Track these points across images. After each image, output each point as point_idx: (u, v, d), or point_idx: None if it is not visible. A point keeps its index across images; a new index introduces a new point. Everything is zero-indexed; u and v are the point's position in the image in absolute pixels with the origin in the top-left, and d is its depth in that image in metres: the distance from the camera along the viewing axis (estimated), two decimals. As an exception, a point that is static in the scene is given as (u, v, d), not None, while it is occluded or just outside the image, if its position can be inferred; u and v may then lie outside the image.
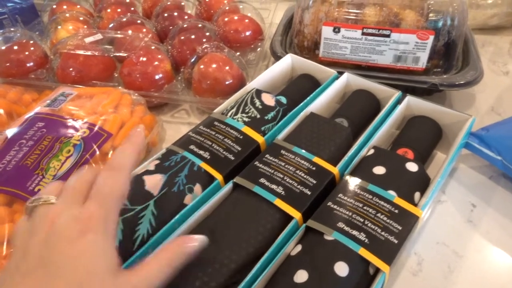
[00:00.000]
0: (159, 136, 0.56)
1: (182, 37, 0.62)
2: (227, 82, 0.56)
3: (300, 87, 0.55)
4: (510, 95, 0.62)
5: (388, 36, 0.55)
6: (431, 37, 0.54)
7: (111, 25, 0.67)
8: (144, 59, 0.57)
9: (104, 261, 0.26)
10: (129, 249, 0.34)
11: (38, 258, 0.26)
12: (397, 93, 0.50)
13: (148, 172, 0.39)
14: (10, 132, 0.45)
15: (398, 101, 0.50)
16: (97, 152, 0.43)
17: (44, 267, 0.25)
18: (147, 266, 0.27)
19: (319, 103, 0.50)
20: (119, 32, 0.63)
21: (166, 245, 0.29)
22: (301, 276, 0.31)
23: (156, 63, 0.58)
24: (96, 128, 0.46)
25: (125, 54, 0.59)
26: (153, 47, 0.60)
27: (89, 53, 0.59)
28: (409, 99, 0.50)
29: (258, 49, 0.69)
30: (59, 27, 0.67)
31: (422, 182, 0.40)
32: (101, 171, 0.30)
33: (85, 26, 0.68)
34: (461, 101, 0.61)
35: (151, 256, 0.28)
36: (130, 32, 0.63)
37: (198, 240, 0.29)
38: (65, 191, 0.29)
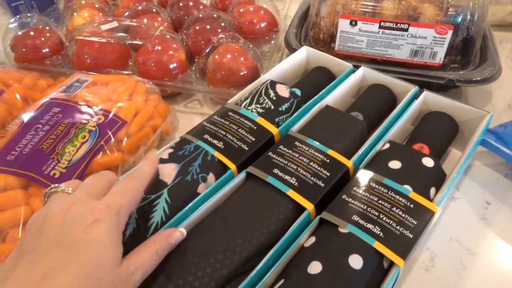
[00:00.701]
0: (173, 125, 0.56)
1: (197, 27, 0.62)
2: (241, 73, 0.56)
3: (315, 80, 0.54)
4: (528, 93, 0.61)
5: (406, 30, 0.54)
6: (450, 32, 0.53)
7: (126, 14, 0.67)
8: (159, 48, 0.57)
9: (113, 251, 0.27)
10: (143, 236, 0.34)
11: (54, 239, 0.26)
12: (414, 88, 0.49)
13: (162, 161, 0.40)
14: (26, 116, 0.45)
15: (415, 96, 0.49)
16: (112, 139, 0.43)
17: (59, 248, 0.26)
18: (140, 255, 0.29)
19: (334, 96, 0.50)
20: (134, 20, 0.63)
21: (154, 236, 0.31)
22: (315, 267, 0.31)
23: (171, 52, 0.58)
24: (111, 115, 0.46)
25: (140, 42, 0.59)
26: (168, 36, 0.60)
27: (104, 40, 0.59)
28: (426, 94, 0.49)
29: (273, 41, 0.68)
30: (75, 14, 0.68)
31: (438, 178, 0.40)
32: (121, 179, 0.32)
33: (101, 14, 0.68)
34: (478, 98, 0.60)
35: (142, 246, 0.30)
36: (145, 20, 0.63)
37: (181, 233, 0.33)
38: (84, 185, 0.31)
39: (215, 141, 0.42)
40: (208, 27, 0.62)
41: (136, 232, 0.34)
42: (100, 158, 0.42)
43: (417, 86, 0.49)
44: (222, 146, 0.41)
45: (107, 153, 0.43)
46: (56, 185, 0.31)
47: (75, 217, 0.27)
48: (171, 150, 0.41)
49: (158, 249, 0.30)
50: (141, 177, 0.33)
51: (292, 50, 0.61)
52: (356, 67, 0.53)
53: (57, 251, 0.26)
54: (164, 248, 0.31)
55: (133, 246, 0.33)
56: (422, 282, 0.38)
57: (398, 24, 0.54)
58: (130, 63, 0.61)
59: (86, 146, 0.42)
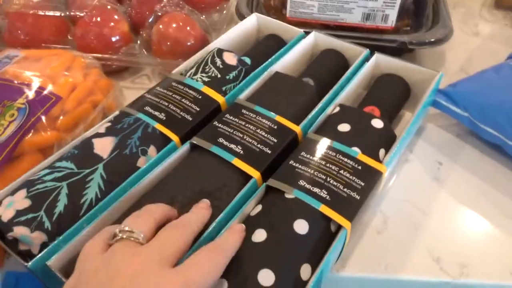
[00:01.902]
0: (118, 102, 0.53)
1: (141, -3, 0.58)
2: (188, 43, 0.53)
3: (266, 48, 0.52)
4: (479, 55, 0.61)
5: (356, -8, 0.52)
6: (400, -7, 0.52)
7: (63, -16, 0.62)
8: (99, 19, 0.53)
9: None
10: (76, 213, 0.32)
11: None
12: (365, 51, 0.48)
13: (98, 135, 0.37)
14: None
15: (366, 59, 0.48)
16: (43, 117, 0.40)
17: None
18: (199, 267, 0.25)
19: (285, 62, 0.48)
20: (71, -9, 0.58)
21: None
22: (260, 235, 0.30)
23: (112, 24, 0.54)
24: (45, 92, 0.43)
25: (80, 14, 0.55)
26: (109, 7, 0.56)
27: (39, 13, 0.54)
28: (377, 56, 0.48)
29: (224, 11, 0.65)
30: (6, -13, 0.62)
31: (387, 139, 0.39)
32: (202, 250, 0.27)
33: (35, -14, 0.63)
34: (431, 62, 0.59)
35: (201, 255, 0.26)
36: (84, -9, 0.59)
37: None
38: (158, 241, 0.26)
39: (157, 113, 0.39)
40: (152, -4, 0.58)
41: (67, 210, 0.31)
42: (31, 137, 0.39)
43: (367, 49, 0.48)
44: (164, 118, 0.39)
45: (40, 131, 0.40)
46: (127, 228, 0.26)
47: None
48: (108, 124, 0.38)
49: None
50: (225, 252, 0.27)
51: (243, 19, 0.58)
52: (308, 34, 0.51)
53: None
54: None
55: (63, 225, 0.31)
56: (375, 244, 0.38)
57: (348, -14, 0.52)
58: (70, 38, 0.57)
59: (15, 124, 0.39)
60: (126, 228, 0.26)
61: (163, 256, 0.25)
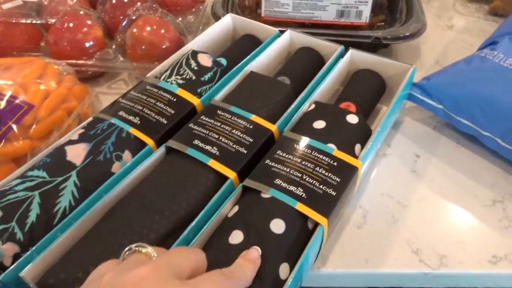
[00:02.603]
0: (94, 108, 0.52)
1: (114, 1, 0.57)
2: (163, 46, 0.52)
3: (241, 48, 0.52)
4: (453, 48, 0.62)
5: (329, -11, 0.53)
6: (373, -11, 0.52)
7: (34, -9, 0.61)
8: (71, 25, 0.52)
9: None
10: (49, 223, 0.31)
11: None
12: (339, 48, 0.48)
13: (70, 142, 0.36)
14: None
15: (341, 56, 0.48)
16: (14, 126, 0.39)
17: None
18: None
19: (260, 62, 0.48)
20: (43, -3, 0.57)
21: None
22: (236, 236, 0.30)
23: (85, 29, 0.53)
24: (16, 101, 0.42)
25: (51, 21, 0.54)
26: (81, 12, 0.55)
27: (10, 20, 0.53)
28: (352, 52, 0.48)
29: (200, 13, 0.65)
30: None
31: (362, 134, 0.39)
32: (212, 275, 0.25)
33: (6, -6, 0.61)
34: (407, 56, 0.60)
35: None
36: (55, -3, 0.58)
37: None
38: (168, 255, 0.25)
39: (131, 117, 0.39)
40: (126, 0, 0.57)
41: (39, 220, 0.31)
42: (3, 147, 0.38)
43: (342, 46, 0.48)
44: (139, 122, 0.38)
45: (12, 141, 0.39)
46: (143, 244, 0.25)
47: None
48: (82, 131, 0.38)
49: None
50: (239, 281, 0.26)
51: (218, 19, 0.58)
52: (284, 32, 0.52)
53: None
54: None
55: (36, 235, 0.30)
56: (355, 239, 0.38)
57: (321, -16, 0.52)
58: (43, 45, 0.56)
59: (-15, 135, 0.38)
60: (138, 244, 0.25)
61: (171, 268, 0.24)
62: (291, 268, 0.30)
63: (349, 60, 0.48)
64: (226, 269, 0.26)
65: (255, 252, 0.28)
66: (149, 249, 0.25)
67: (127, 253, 0.25)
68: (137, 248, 0.25)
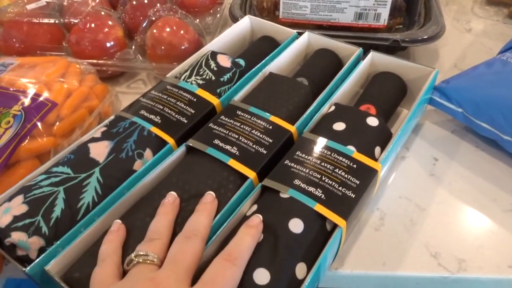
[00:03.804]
0: (114, 107, 0.53)
1: (134, 2, 0.58)
2: (182, 47, 0.53)
3: (260, 49, 0.52)
4: (472, 51, 0.61)
5: (348, -8, 0.53)
6: (392, -8, 0.52)
7: (57, -8, 0.62)
8: (93, 25, 0.53)
9: None
10: (73, 218, 0.32)
11: None
12: (358, 50, 0.48)
13: (93, 140, 0.37)
14: None
15: (360, 58, 0.49)
16: (39, 123, 0.40)
17: None
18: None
19: (279, 63, 0.48)
20: (65, -2, 0.58)
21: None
22: (256, 235, 0.30)
23: (106, 29, 0.54)
24: (40, 98, 0.43)
25: (74, 21, 0.55)
26: (103, 13, 0.56)
27: (33, 21, 0.54)
28: (373, 55, 0.48)
29: (218, 14, 0.66)
30: (0, -5, 0.62)
31: (383, 137, 0.39)
32: (218, 262, 0.27)
33: (30, -5, 0.63)
34: (425, 59, 0.60)
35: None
36: (78, -2, 0.59)
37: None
38: (171, 259, 0.27)
39: (152, 116, 0.39)
40: (146, 1, 0.58)
41: (64, 215, 0.31)
42: (28, 144, 0.39)
43: (360, 48, 0.48)
44: (160, 121, 0.39)
45: (36, 138, 0.40)
46: (142, 252, 0.27)
47: None
48: (104, 129, 0.38)
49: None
50: (241, 257, 0.27)
51: (236, 21, 0.58)
52: (301, 34, 0.52)
53: None
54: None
55: (61, 230, 0.31)
56: (373, 241, 0.38)
57: (340, -14, 0.53)
58: (65, 45, 0.57)
59: (11, 131, 0.39)
60: (141, 253, 0.27)
61: (179, 275, 0.26)
62: (308, 268, 0.30)
63: (369, 62, 0.48)
64: (226, 253, 0.27)
65: (256, 218, 0.30)
66: (151, 255, 0.27)
67: (135, 261, 0.27)
68: (138, 260, 0.27)
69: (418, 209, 0.40)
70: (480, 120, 0.43)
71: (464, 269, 0.36)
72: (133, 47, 0.56)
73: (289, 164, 0.35)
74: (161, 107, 0.40)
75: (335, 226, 0.32)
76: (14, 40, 0.54)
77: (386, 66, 0.48)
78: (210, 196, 0.32)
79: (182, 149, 0.37)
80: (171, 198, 0.32)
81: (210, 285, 0.25)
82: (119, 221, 0.31)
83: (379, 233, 0.38)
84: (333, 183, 0.33)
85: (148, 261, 0.27)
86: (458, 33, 0.66)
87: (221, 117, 0.39)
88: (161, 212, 0.31)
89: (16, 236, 0.30)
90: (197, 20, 0.60)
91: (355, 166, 0.35)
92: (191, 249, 0.28)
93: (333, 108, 0.41)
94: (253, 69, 0.46)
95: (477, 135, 0.46)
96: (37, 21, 0.54)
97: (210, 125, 0.39)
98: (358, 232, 0.38)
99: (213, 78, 0.44)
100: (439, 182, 0.43)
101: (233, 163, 0.35)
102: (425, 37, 0.53)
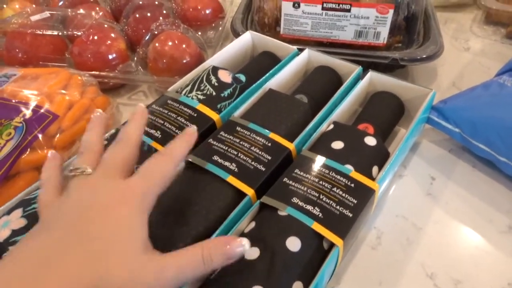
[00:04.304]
0: (115, 119, 0.53)
1: (137, 15, 0.59)
2: (184, 61, 0.54)
3: (260, 65, 0.53)
4: (470, 71, 0.62)
5: (348, 10, 0.54)
6: (391, 11, 0.53)
7: (60, 3, 0.63)
8: (96, 37, 0.54)
9: (135, 237, 0.26)
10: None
11: (71, 222, 0.25)
12: (357, 68, 0.49)
13: (94, 153, 0.37)
14: None
15: (359, 77, 0.49)
16: (40, 135, 0.40)
17: (75, 232, 0.25)
18: (180, 254, 0.26)
19: (279, 79, 0.49)
20: (69, 10, 0.59)
21: (207, 240, 0.28)
22: (253, 252, 0.30)
23: (109, 42, 0.55)
24: (42, 110, 0.43)
25: (76, 33, 0.56)
26: (106, 26, 0.57)
27: (37, 32, 0.55)
28: (371, 74, 0.49)
29: (220, 28, 0.66)
30: (5, 6, 0.63)
31: (380, 156, 0.39)
32: (153, 155, 0.30)
33: (34, 6, 0.64)
34: (423, 78, 0.60)
35: (188, 247, 0.27)
36: (81, 10, 0.60)
37: (240, 244, 0.27)
38: (104, 163, 0.29)
39: (152, 131, 0.40)
40: (148, 14, 0.59)
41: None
42: (28, 156, 0.39)
43: (360, 66, 0.49)
44: (160, 136, 0.39)
45: (36, 150, 0.40)
46: (73, 167, 0.28)
47: (96, 199, 0.26)
48: (104, 143, 0.39)
49: (205, 255, 0.26)
50: (175, 156, 0.30)
51: (238, 36, 0.59)
52: (302, 51, 0.52)
53: (74, 236, 0.25)
54: (214, 256, 0.26)
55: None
56: (369, 260, 0.38)
57: (340, 5, 0.53)
58: (68, 56, 0.57)
59: (11, 143, 0.39)
60: (71, 167, 0.29)
61: (108, 171, 0.28)
62: (305, 286, 0.30)
63: (368, 81, 0.49)
64: (162, 150, 0.30)
65: (192, 128, 0.32)
66: (83, 167, 0.28)
67: (70, 175, 0.28)
68: (73, 173, 0.28)
69: (415, 228, 0.40)
70: (477, 140, 0.44)
71: (459, 290, 0.36)
72: (135, 59, 0.56)
73: (288, 182, 0.35)
74: (162, 122, 0.41)
75: (332, 245, 0.32)
76: (17, 50, 0.55)
77: (384, 85, 0.48)
78: (191, 129, 0.32)
79: (181, 164, 0.38)
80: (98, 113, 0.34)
81: (141, 178, 0.28)
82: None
83: (376, 252, 0.38)
84: (331, 202, 0.33)
85: (79, 172, 0.28)
86: (456, 52, 0.67)
87: (220, 133, 0.40)
88: (89, 127, 0.32)
89: (14, 250, 0.30)
90: (199, 33, 0.61)
91: (352, 185, 0.35)
92: (119, 150, 0.29)
93: (331, 126, 0.42)
94: (254, 85, 0.47)
95: (474, 155, 0.46)
96: (41, 32, 0.55)
97: (209, 140, 0.39)
98: (355, 251, 0.38)
99: (214, 93, 0.44)
100: (436, 202, 0.43)
101: (232, 179, 0.35)
102: (424, 56, 0.54)
